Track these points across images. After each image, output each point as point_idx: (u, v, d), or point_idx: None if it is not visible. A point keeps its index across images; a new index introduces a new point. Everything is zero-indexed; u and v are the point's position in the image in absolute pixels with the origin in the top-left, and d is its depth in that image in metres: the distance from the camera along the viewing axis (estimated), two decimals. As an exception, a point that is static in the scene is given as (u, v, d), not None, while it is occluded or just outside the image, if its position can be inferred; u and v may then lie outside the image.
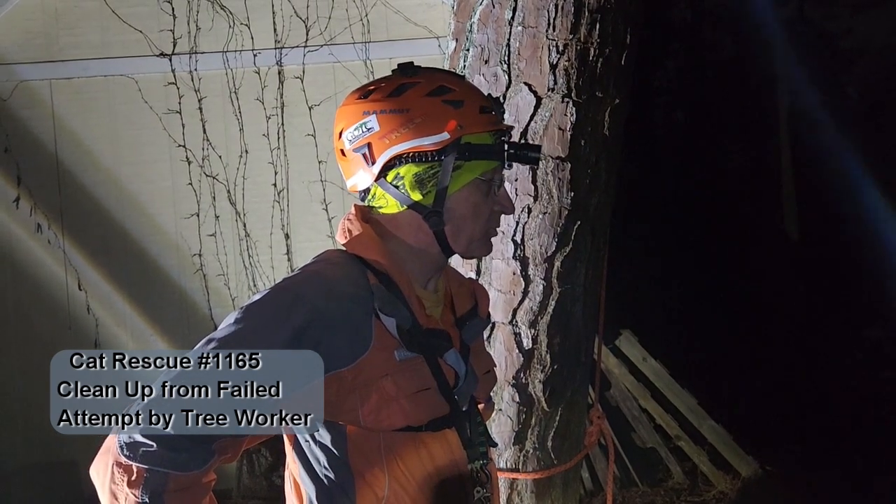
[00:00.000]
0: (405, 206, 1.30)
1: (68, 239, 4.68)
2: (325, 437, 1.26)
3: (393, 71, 1.34)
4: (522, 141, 2.12)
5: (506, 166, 1.34)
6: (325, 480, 1.27)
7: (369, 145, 1.28)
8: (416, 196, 1.29)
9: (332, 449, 1.25)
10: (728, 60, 8.03)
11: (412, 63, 1.34)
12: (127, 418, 1.10)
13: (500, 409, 2.21)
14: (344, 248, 1.33)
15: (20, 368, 4.69)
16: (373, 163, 1.28)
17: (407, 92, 1.28)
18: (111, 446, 1.10)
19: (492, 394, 2.20)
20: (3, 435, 4.69)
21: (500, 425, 2.22)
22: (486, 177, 1.31)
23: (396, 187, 1.29)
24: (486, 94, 1.36)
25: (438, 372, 1.29)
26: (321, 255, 1.33)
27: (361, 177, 1.31)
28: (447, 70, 1.36)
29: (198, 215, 4.70)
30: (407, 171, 1.28)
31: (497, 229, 1.39)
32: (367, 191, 1.33)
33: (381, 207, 1.32)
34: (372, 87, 1.31)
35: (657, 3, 7.51)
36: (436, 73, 1.33)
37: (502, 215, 1.38)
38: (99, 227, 4.70)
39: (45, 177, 4.65)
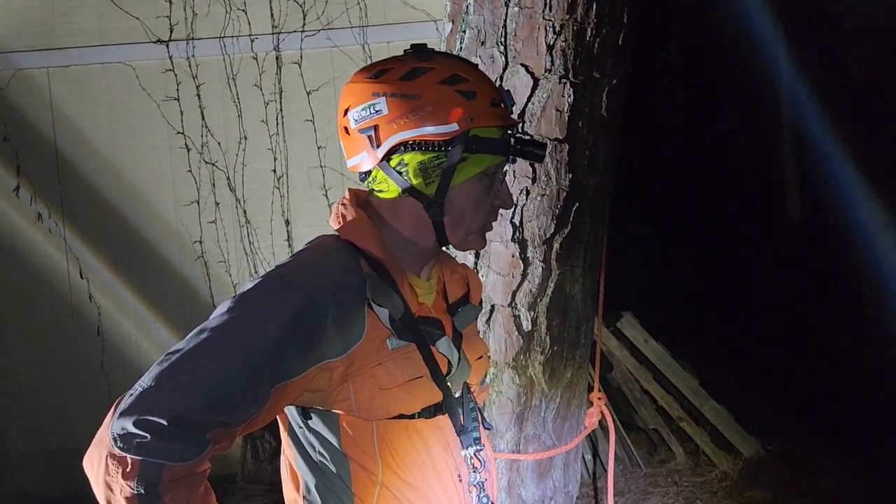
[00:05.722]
0: (406, 194, 1.28)
1: (69, 227, 4.69)
2: (318, 424, 1.26)
3: (405, 52, 1.32)
4: (524, 130, 2.12)
5: (509, 161, 1.32)
6: (321, 466, 1.27)
7: (376, 128, 1.26)
8: (419, 184, 1.27)
9: (326, 436, 1.26)
10: (730, 40, 7.97)
11: (426, 45, 1.32)
12: (119, 409, 1.09)
13: (501, 392, 2.22)
14: (337, 234, 1.32)
15: (25, 357, 4.71)
16: (378, 146, 1.26)
17: (420, 77, 1.26)
18: (104, 438, 1.09)
19: (491, 373, 2.21)
20: (10, 422, 4.72)
21: (501, 407, 2.22)
22: (490, 171, 1.30)
23: (399, 173, 1.27)
24: (496, 86, 1.34)
25: (431, 360, 1.29)
26: (314, 242, 1.32)
27: (364, 158, 1.29)
28: (461, 57, 1.33)
29: (198, 202, 4.70)
30: (412, 158, 1.26)
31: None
32: (368, 173, 1.31)
33: (381, 192, 1.31)
34: (384, 68, 1.29)
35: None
36: (450, 60, 1.31)
37: (500, 210, 1.36)
38: (99, 215, 4.70)
39: (45, 165, 4.66)
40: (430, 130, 1.25)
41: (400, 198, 1.29)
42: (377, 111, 1.26)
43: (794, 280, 7.03)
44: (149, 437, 1.07)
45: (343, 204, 1.33)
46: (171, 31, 4.61)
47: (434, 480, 1.29)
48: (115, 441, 1.07)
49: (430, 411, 1.29)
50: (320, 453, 1.27)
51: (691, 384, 4.64)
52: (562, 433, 2.31)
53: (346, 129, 1.30)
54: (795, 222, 7.88)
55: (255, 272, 4.71)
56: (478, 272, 2.19)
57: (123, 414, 1.08)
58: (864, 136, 6.95)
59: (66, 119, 4.68)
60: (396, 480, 1.26)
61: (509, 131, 1.31)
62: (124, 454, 1.07)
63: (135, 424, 1.07)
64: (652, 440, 4.69)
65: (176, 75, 4.63)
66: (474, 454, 1.35)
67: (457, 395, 1.35)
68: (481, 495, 1.37)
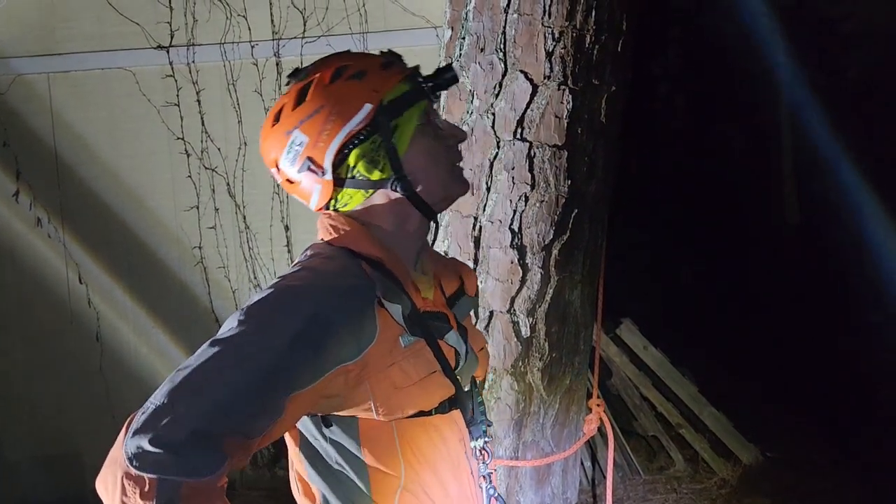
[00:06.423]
0: (371, 190, 1.29)
1: (68, 232, 4.68)
2: (335, 432, 1.25)
3: (287, 82, 1.34)
4: (516, 128, 2.12)
5: (434, 99, 1.33)
6: (339, 476, 1.26)
7: (310, 158, 1.27)
8: (376, 175, 1.28)
9: (344, 443, 1.25)
10: (729, 46, 8.00)
11: (298, 67, 1.35)
12: (132, 427, 1.07)
13: (499, 398, 2.22)
14: (328, 243, 1.32)
15: (23, 361, 4.71)
16: (322, 172, 1.27)
17: (310, 92, 1.28)
18: (118, 458, 1.06)
19: (490, 379, 2.21)
20: (8, 427, 4.71)
21: (499, 413, 2.22)
22: (424, 119, 1.30)
23: (354, 178, 1.29)
24: (380, 52, 1.36)
25: (440, 354, 1.30)
26: (311, 251, 1.32)
27: (320, 191, 1.30)
28: (331, 54, 1.36)
29: (197, 208, 4.70)
30: (354, 158, 1.27)
31: (461, 165, 1.38)
32: (327, 203, 1.33)
33: (346, 205, 1.32)
34: (278, 108, 1.31)
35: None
36: (324, 62, 1.33)
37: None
38: (99, 220, 4.70)
39: (45, 171, 4.65)
40: (352, 125, 1.26)
41: (367, 198, 1.30)
42: (300, 144, 1.27)
43: (792, 283, 7.04)
44: (165, 453, 1.04)
45: (330, 217, 1.34)
46: (172, 37, 4.62)
47: (451, 475, 1.30)
48: (131, 461, 1.04)
49: (445, 406, 1.30)
50: (337, 462, 1.26)
51: (690, 391, 4.64)
52: (560, 439, 2.31)
53: (287, 180, 1.32)
54: (794, 225, 7.89)
55: (255, 278, 4.71)
56: (476, 279, 2.19)
57: (137, 432, 1.06)
58: (863, 139, 6.97)
59: (66, 124, 4.68)
60: (418, 479, 1.27)
61: (417, 78, 1.32)
62: (141, 473, 1.04)
63: (150, 442, 1.04)
64: (651, 447, 4.68)
65: (176, 81, 4.64)
66: (483, 446, 1.37)
67: (465, 388, 1.36)
68: (489, 487, 1.39)
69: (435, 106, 1.35)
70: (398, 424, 1.25)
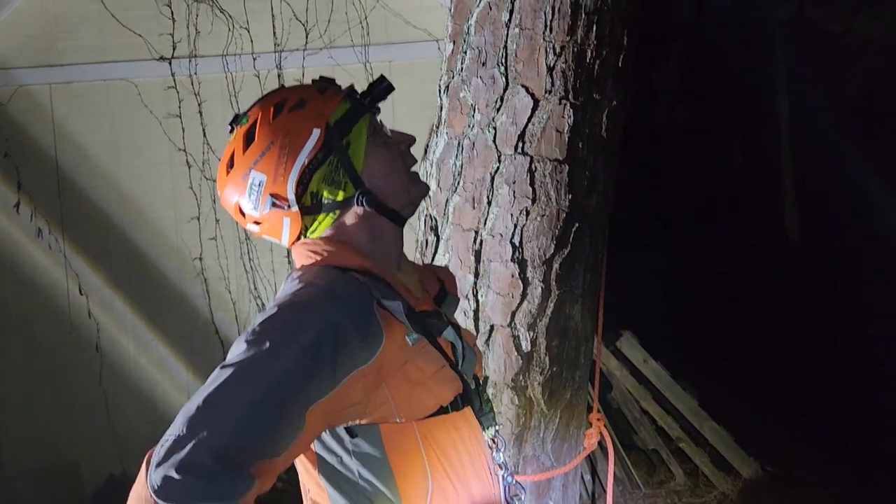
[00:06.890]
0: (338, 211, 1.32)
1: (69, 243, 4.68)
2: (360, 444, 1.25)
3: (230, 130, 1.37)
4: (517, 142, 2.14)
5: (375, 111, 1.37)
6: (365, 492, 1.26)
7: (273, 195, 1.29)
8: (341, 195, 1.31)
9: (371, 454, 1.25)
10: (729, 60, 8.04)
11: (237, 113, 1.38)
12: (154, 461, 1.06)
13: (499, 412, 2.21)
14: (312, 264, 1.33)
15: (23, 372, 4.70)
16: (288, 205, 1.29)
17: (257, 132, 1.30)
18: (142, 494, 1.05)
19: (491, 394, 2.21)
20: (6, 438, 4.69)
21: (499, 427, 2.22)
22: (371, 131, 1.34)
23: (320, 202, 1.31)
24: (312, 81, 1.40)
25: (442, 351, 1.32)
26: (299, 273, 1.33)
27: (290, 224, 1.31)
28: (266, 93, 1.39)
29: (198, 219, 4.70)
30: (317, 183, 1.30)
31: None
32: (299, 234, 1.34)
33: (315, 231, 1.34)
34: (229, 156, 1.34)
35: (658, 3, 7.51)
36: (261, 101, 1.36)
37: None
38: (99, 231, 4.70)
39: (46, 181, 4.66)
40: (306, 152, 1.28)
41: (336, 219, 1.33)
42: (259, 183, 1.29)
43: (793, 297, 7.03)
44: (193, 479, 1.03)
45: (304, 244, 1.35)
46: (174, 49, 4.63)
47: (471, 470, 1.32)
48: (158, 493, 1.04)
49: (458, 402, 1.32)
50: (363, 477, 1.26)
51: (691, 404, 4.63)
52: (561, 454, 2.30)
53: (255, 222, 1.33)
54: (794, 240, 7.89)
55: (255, 289, 4.70)
56: (477, 293, 2.20)
57: (160, 464, 1.05)
58: (863, 151, 6.98)
59: (68, 135, 4.69)
60: (444, 480, 1.28)
61: (355, 96, 1.36)
62: None
63: (177, 470, 1.04)
64: (651, 461, 4.67)
65: (178, 92, 4.65)
66: (494, 434, 1.40)
67: (472, 386, 1.39)
68: (505, 474, 1.41)
69: (379, 118, 1.38)
70: (420, 426, 1.26)
